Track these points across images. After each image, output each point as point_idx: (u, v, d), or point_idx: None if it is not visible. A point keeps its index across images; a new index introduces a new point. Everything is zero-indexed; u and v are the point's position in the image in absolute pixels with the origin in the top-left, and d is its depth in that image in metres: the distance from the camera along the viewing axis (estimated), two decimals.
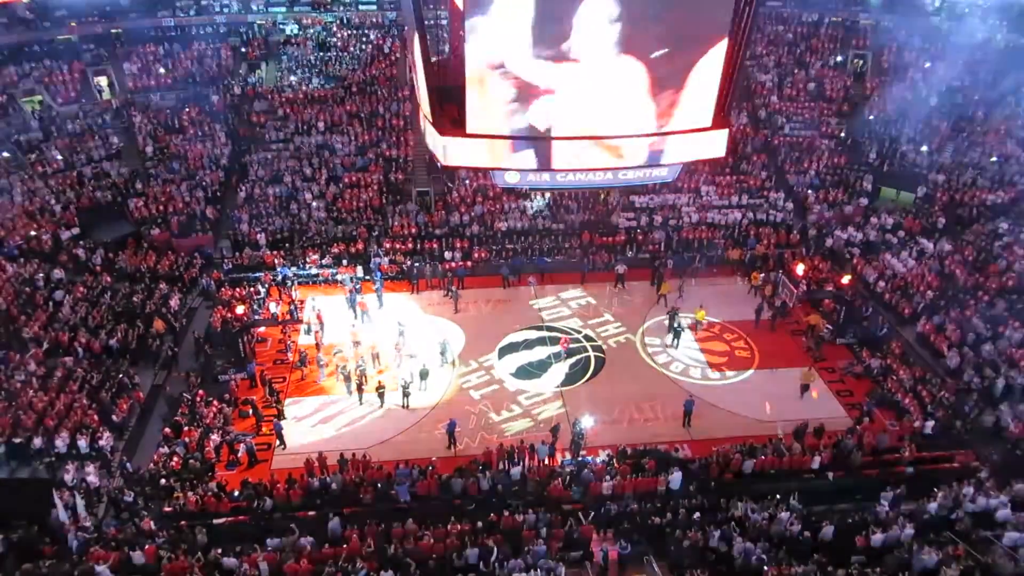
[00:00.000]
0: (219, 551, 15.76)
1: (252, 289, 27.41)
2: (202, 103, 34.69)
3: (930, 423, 20.03)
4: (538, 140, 13.73)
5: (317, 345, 24.17)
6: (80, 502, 17.00)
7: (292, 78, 36.08)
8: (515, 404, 22.39)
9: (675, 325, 25.15)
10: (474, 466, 18.54)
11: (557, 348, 24.41)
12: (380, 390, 22.11)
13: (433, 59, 13.67)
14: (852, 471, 18.64)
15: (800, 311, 26.46)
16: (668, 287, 27.43)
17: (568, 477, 18.27)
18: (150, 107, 34.27)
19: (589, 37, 12.49)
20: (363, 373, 22.47)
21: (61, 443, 19.05)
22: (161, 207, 30.20)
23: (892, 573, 14.97)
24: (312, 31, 38.22)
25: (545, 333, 25.44)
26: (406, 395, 22.19)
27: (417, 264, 28.92)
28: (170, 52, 36.30)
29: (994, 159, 30.37)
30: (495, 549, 15.46)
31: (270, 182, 31.79)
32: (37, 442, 18.95)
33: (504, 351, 24.78)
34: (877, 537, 15.71)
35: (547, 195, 31.16)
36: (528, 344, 25.09)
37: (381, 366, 23.76)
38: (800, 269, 27.10)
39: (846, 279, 26.58)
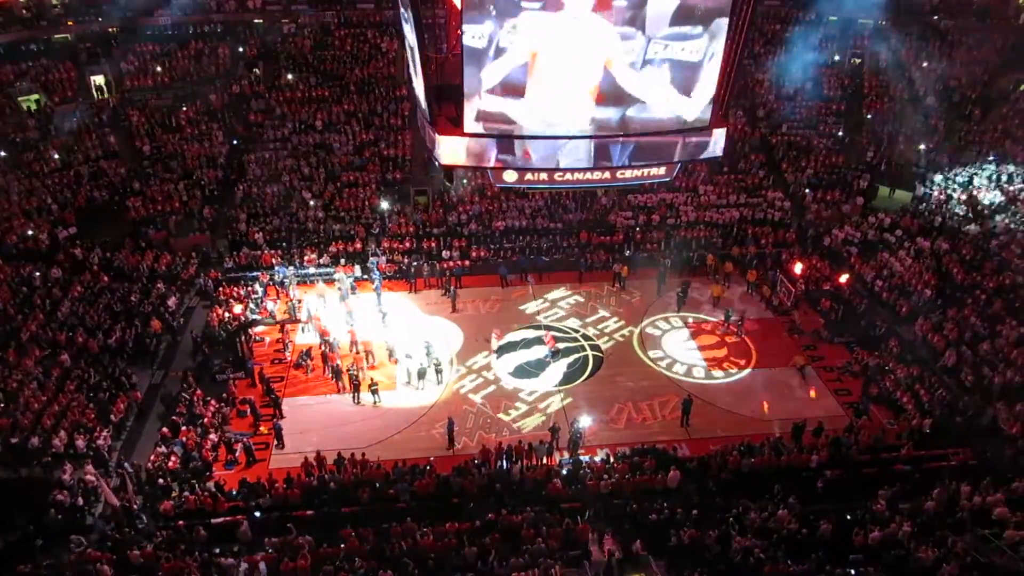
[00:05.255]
0: (217, 550, 15.76)
1: (250, 288, 27.40)
2: (200, 102, 34.63)
3: (927, 421, 20.07)
4: (537, 139, 13.72)
5: (324, 356, 23.88)
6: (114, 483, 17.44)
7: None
8: (513, 403, 22.40)
9: (682, 295, 26.75)
10: (472, 465, 18.54)
11: (558, 346, 24.45)
12: (373, 387, 22.15)
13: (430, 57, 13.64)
14: (850, 469, 18.67)
15: (799, 313, 26.47)
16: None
17: (566, 476, 18.28)
18: (147, 106, 34.20)
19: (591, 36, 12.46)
20: (352, 374, 22.49)
21: (59, 443, 19.02)
22: (159, 206, 30.18)
23: (890, 571, 15.01)
24: None
25: (543, 332, 25.40)
26: (420, 376, 22.63)
27: (415, 263, 28.92)
28: (167, 51, 36.23)
29: (991, 157, 30.44)
30: (493, 548, 15.48)
31: (268, 181, 31.75)
32: (34, 441, 18.92)
33: (502, 350, 24.77)
34: (875, 535, 15.74)
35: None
36: (526, 343, 25.08)
37: (374, 363, 23.83)
38: (798, 268, 27.14)
39: (844, 278, 26.64)
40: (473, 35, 11.93)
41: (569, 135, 13.65)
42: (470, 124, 13.18)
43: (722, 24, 12.48)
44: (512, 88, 12.70)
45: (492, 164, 14.03)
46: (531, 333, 25.63)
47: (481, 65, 12.35)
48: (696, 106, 13.59)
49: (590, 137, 13.75)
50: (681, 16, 12.22)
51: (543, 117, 13.20)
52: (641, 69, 12.71)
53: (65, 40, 34.95)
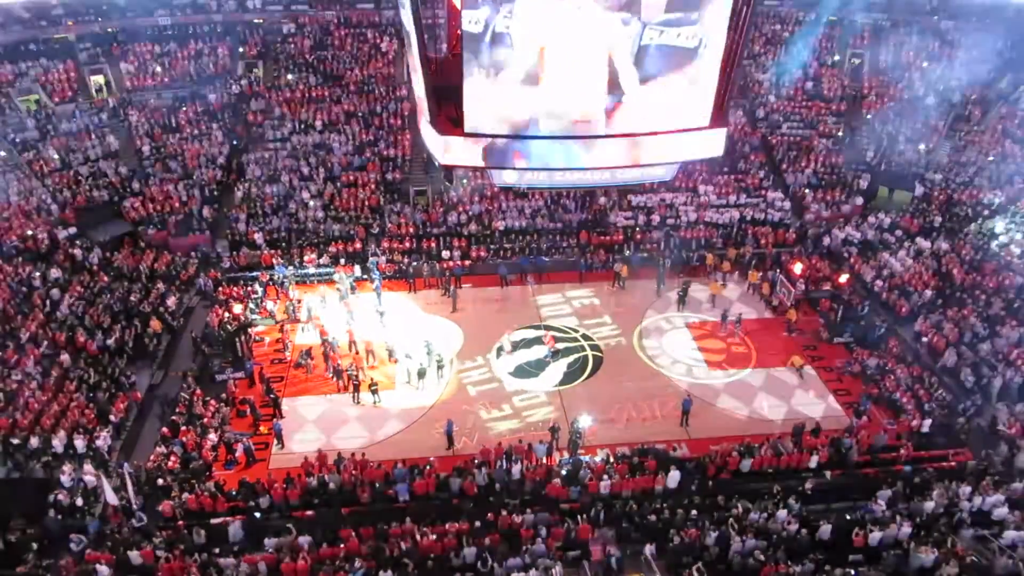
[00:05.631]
0: (216, 551, 15.75)
1: (249, 288, 27.39)
2: (199, 102, 34.64)
3: (927, 422, 20.07)
4: (535, 139, 13.70)
5: (324, 355, 23.94)
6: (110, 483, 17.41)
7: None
8: (513, 403, 22.39)
9: (682, 294, 26.79)
10: (472, 465, 18.53)
11: (557, 346, 24.47)
12: (373, 387, 22.17)
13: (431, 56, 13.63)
14: (849, 470, 18.67)
15: (795, 313, 26.40)
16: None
17: (566, 476, 18.28)
18: (147, 106, 34.20)
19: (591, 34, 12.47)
20: (352, 374, 22.51)
21: (58, 443, 19.01)
22: (158, 206, 30.17)
23: (889, 572, 15.01)
24: None
25: (543, 332, 25.41)
26: (420, 376, 22.66)
27: (415, 263, 28.91)
28: (167, 51, 36.22)
29: (991, 158, 30.45)
30: (493, 548, 15.47)
31: (267, 181, 31.75)
32: (34, 442, 18.90)
33: (502, 350, 24.75)
34: (874, 536, 15.74)
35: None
36: (526, 343, 25.07)
37: (374, 363, 23.85)
38: (798, 268, 27.14)
39: (844, 278, 26.64)
40: (470, 20, 11.94)
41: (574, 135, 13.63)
42: (475, 121, 13.12)
43: (715, 11, 12.50)
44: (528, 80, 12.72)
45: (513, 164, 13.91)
46: (531, 333, 25.62)
47: (484, 59, 12.36)
48: (693, 102, 13.55)
49: (597, 137, 13.72)
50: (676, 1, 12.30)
51: (557, 109, 13.17)
52: (637, 56, 12.75)
53: (65, 40, 34.93)
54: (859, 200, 31.46)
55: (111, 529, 16.81)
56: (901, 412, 21.23)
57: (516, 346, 24.76)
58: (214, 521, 17.10)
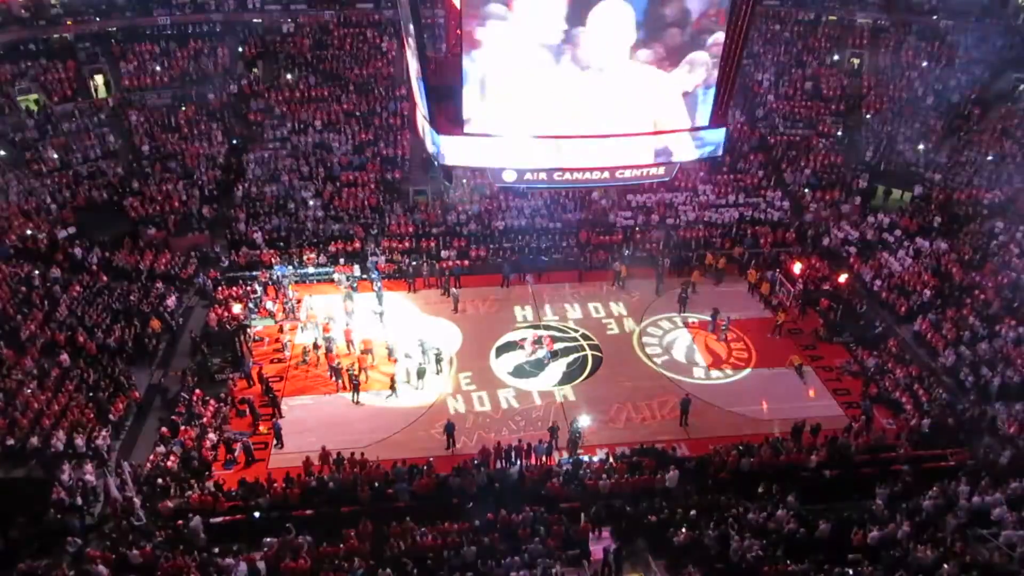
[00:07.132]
0: (216, 550, 15.76)
1: (249, 288, 27.38)
2: (199, 102, 34.64)
3: (926, 421, 20.08)
4: (535, 140, 13.74)
5: (326, 352, 23.96)
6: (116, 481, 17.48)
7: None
8: (512, 403, 22.39)
9: (684, 295, 26.75)
10: (471, 465, 18.54)
11: (555, 346, 24.46)
12: (392, 385, 22.43)
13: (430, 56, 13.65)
14: (848, 469, 18.68)
15: (784, 314, 26.28)
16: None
17: (565, 476, 18.29)
18: (146, 106, 34.18)
19: (594, 38, 12.50)
20: (353, 374, 22.52)
21: (58, 442, 19.00)
22: (158, 206, 30.16)
23: (888, 571, 15.01)
24: None
25: (542, 332, 25.42)
26: (420, 376, 22.69)
27: (414, 263, 28.91)
28: (167, 51, 36.21)
29: (990, 158, 30.45)
30: (493, 547, 15.48)
31: (267, 181, 31.74)
32: (33, 441, 18.90)
33: (501, 350, 24.78)
34: (874, 535, 15.75)
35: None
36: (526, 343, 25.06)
37: (374, 363, 23.83)
38: (797, 268, 27.15)
39: (843, 278, 26.64)
40: None
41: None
42: (475, 120, 13.15)
43: None
44: None
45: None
46: (530, 333, 25.59)
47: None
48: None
49: (596, 137, 13.78)
50: None
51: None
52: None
53: (65, 40, 34.92)
54: (858, 200, 31.47)
55: (109, 528, 16.82)
56: (900, 411, 21.24)
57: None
58: (213, 520, 17.07)
